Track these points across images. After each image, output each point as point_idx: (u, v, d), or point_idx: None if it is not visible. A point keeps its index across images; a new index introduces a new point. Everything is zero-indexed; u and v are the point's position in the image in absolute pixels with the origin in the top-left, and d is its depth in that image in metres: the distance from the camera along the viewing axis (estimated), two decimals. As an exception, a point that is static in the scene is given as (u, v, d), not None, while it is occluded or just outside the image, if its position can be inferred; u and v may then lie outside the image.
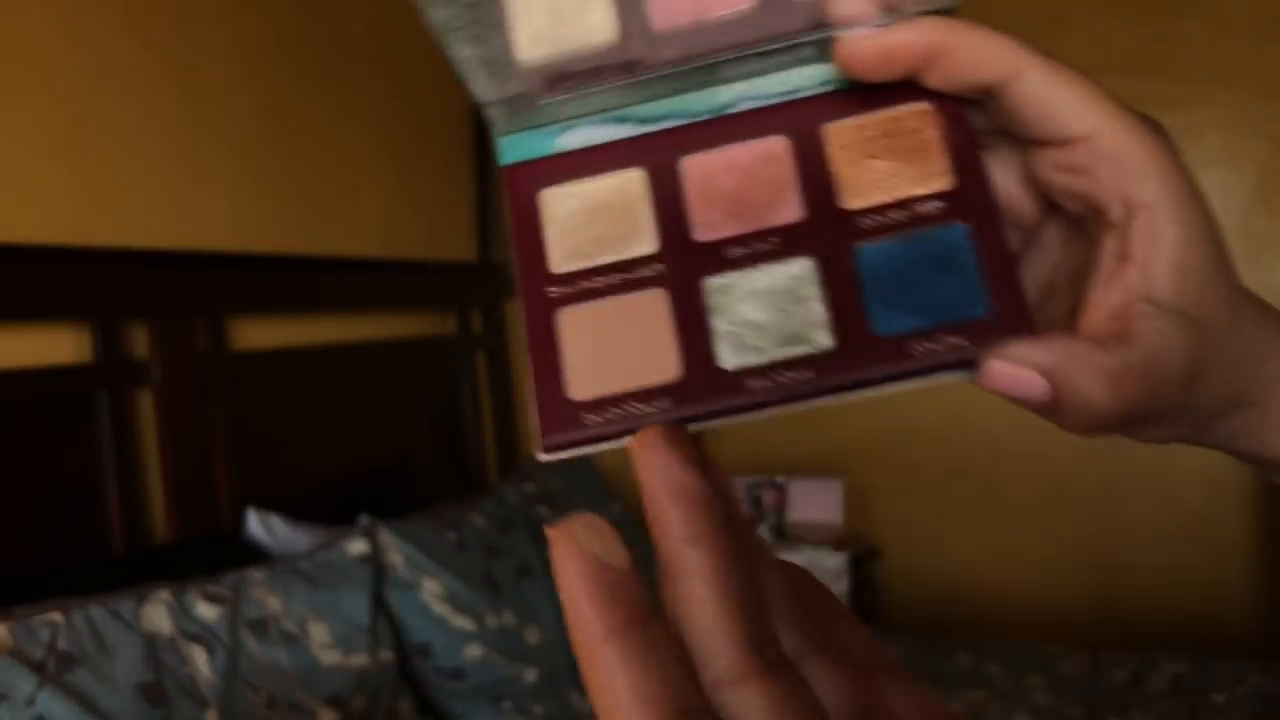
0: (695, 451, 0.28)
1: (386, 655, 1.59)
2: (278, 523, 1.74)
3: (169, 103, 1.75)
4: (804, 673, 0.26)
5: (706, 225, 0.34)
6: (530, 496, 2.11)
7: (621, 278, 0.33)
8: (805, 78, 0.35)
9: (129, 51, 1.68)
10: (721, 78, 0.35)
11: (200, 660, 1.34)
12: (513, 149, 0.35)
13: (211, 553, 1.59)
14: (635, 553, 0.26)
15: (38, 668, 1.18)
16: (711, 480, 0.27)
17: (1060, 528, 2.86)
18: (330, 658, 1.50)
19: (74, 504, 1.52)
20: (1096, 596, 2.83)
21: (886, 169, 0.33)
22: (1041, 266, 0.36)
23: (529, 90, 0.34)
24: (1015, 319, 0.31)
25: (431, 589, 1.72)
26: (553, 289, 0.34)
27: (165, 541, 1.64)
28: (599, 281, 0.34)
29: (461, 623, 1.72)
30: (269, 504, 1.76)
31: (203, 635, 1.37)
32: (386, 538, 1.72)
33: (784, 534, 2.75)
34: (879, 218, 0.33)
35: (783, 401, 0.31)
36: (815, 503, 2.81)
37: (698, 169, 0.34)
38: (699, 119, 0.35)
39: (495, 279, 2.53)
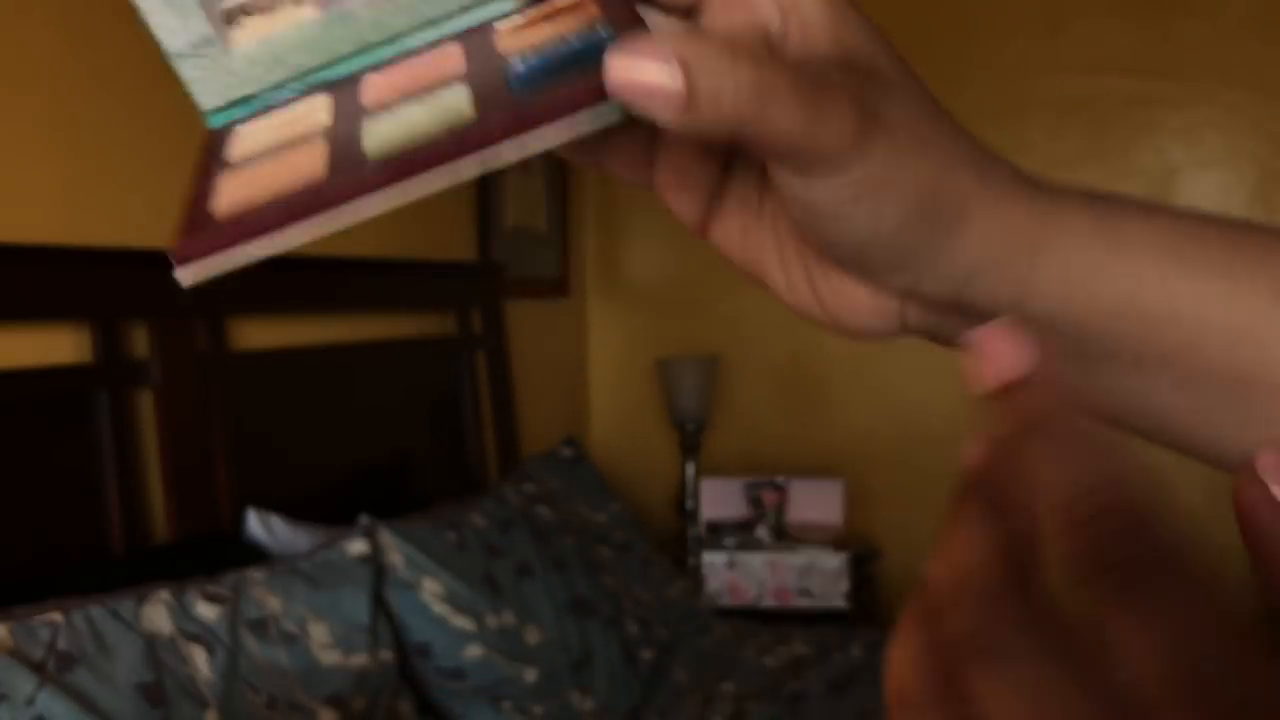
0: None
1: (386, 655, 1.59)
2: (278, 523, 1.74)
3: (169, 103, 1.74)
4: None
5: (374, 94, 0.35)
6: (530, 496, 2.11)
7: (293, 133, 0.34)
8: (484, 15, 0.36)
9: (129, 51, 1.68)
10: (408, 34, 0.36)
11: (200, 660, 1.34)
12: (221, 119, 0.37)
13: (211, 553, 1.59)
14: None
15: (38, 668, 1.18)
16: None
17: (1060, 528, 2.86)
18: (330, 658, 1.50)
19: (74, 504, 1.52)
20: (1096, 596, 2.83)
21: (547, 30, 0.34)
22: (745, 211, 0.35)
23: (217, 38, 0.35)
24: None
25: (431, 589, 1.72)
26: (226, 161, 0.35)
27: (165, 541, 1.64)
28: (268, 143, 0.35)
29: (461, 623, 1.72)
30: (269, 504, 1.76)
31: (203, 635, 1.37)
32: (386, 538, 1.72)
33: (784, 534, 2.75)
34: (532, 49, 0.33)
35: (426, 167, 0.30)
36: (815, 503, 2.81)
37: (377, 78, 0.35)
38: (384, 63, 0.36)
39: (495, 279, 2.53)
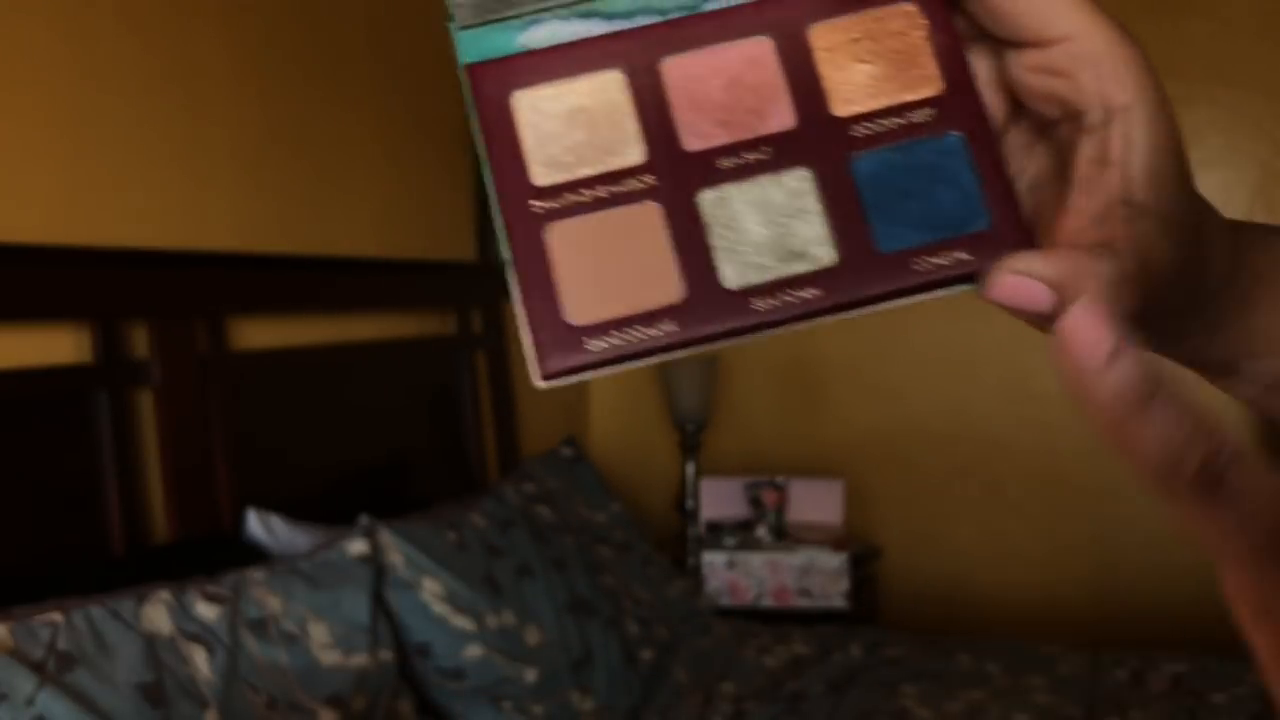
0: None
1: (386, 655, 1.59)
2: (278, 523, 1.74)
3: (169, 103, 1.75)
4: None
5: (695, 133, 0.32)
6: (530, 496, 2.11)
7: (610, 190, 0.32)
8: None
9: (129, 51, 1.68)
10: None
11: (200, 660, 1.34)
12: (474, 46, 0.33)
13: (211, 553, 1.59)
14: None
15: (38, 668, 1.18)
16: None
17: (1060, 528, 2.86)
18: (330, 658, 1.50)
19: (74, 504, 1.52)
20: (1096, 596, 2.83)
21: (874, 73, 0.32)
22: None
23: None
24: (1015, 231, 0.31)
25: (431, 589, 1.72)
26: (536, 203, 0.32)
27: (165, 541, 1.64)
28: (585, 194, 0.32)
29: (461, 623, 1.72)
30: (269, 504, 1.76)
31: (203, 635, 1.37)
32: (386, 538, 1.72)
33: (784, 534, 2.75)
34: (871, 125, 0.32)
35: (790, 321, 0.31)
36: (815, 503, 2.81)
37: (680, 72, 0.33)
38: (670, 16, 0.33)
39: (495, 279, 2.53)
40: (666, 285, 0.31)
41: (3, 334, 1.46)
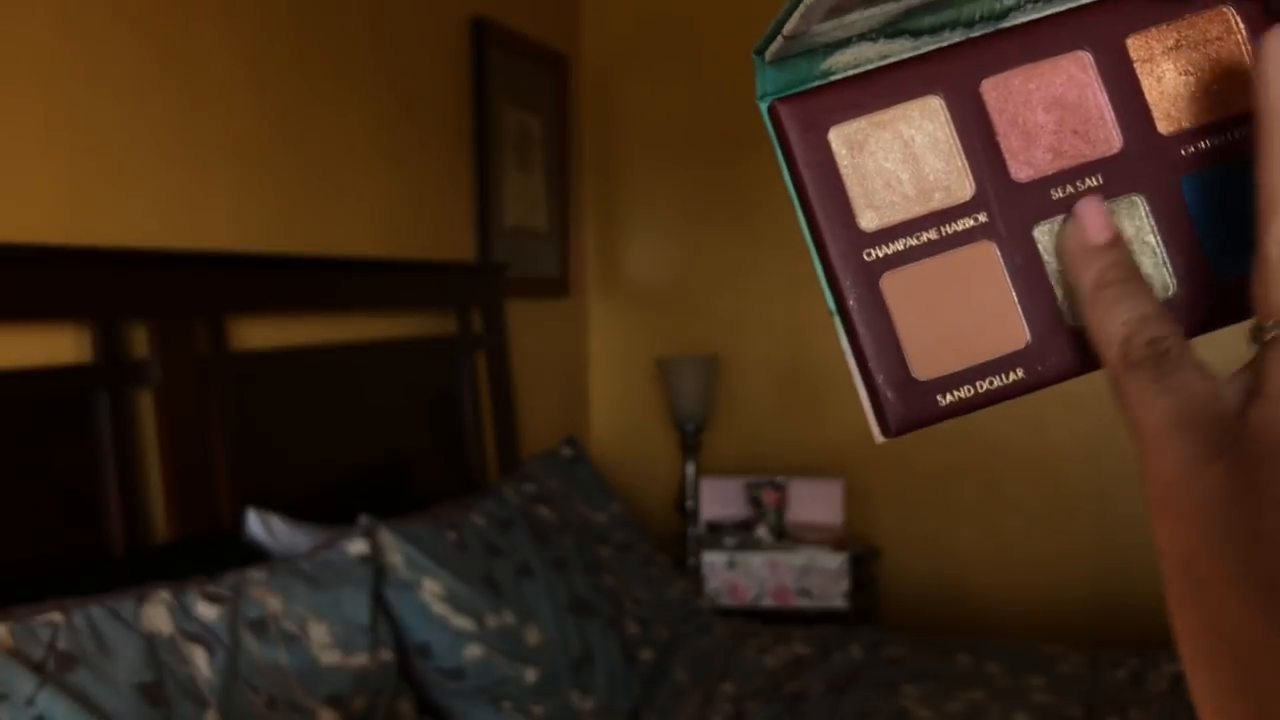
0: None
1: (386, 655, 1.59)
2: (278, 523, 1.74)
3: (169, 102, 1.75)
4: None
5: (1022, 161, 0.30)
6: (530, 496, 2.11)
7: (940, 230, 0.30)
8: None
9: (129, 51, 1.68)
10: None
11: (200, 660, 1.34)
12: (774, 79, 0.30)
13: (211, 553, 1.59)
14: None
15: (38, 668, 1.18)
16: None
17: (1060, 528, 2.86)
18: (330, 658, 1.50)
19: (74, 504, 1.52)
20: (1096, 596, 2.83)
21: (1194, 85, 0.30)
22: None
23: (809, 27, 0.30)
24: None
25: (431, 589, 1.72)
26: (868, 251, 0.30)
27: (165, 541, 1.64)
28: (919, 238, 0.30)
29: (461, 623, 1.72)
30: (269, 504, 1.76)
31: (203, 635, 1.37)
32: (386, 538, 1.72)
33: (784, 534, 2.75)
34: (1194, 145, 0.30)
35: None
36: (815, 503, 2.81)
37: (998, 94, 0.30)
38: (976, 31, 0.31)
39: (495, 279, 2.53)
40: (1010, 329, 0.30)
41: (3, 334, 1.46)
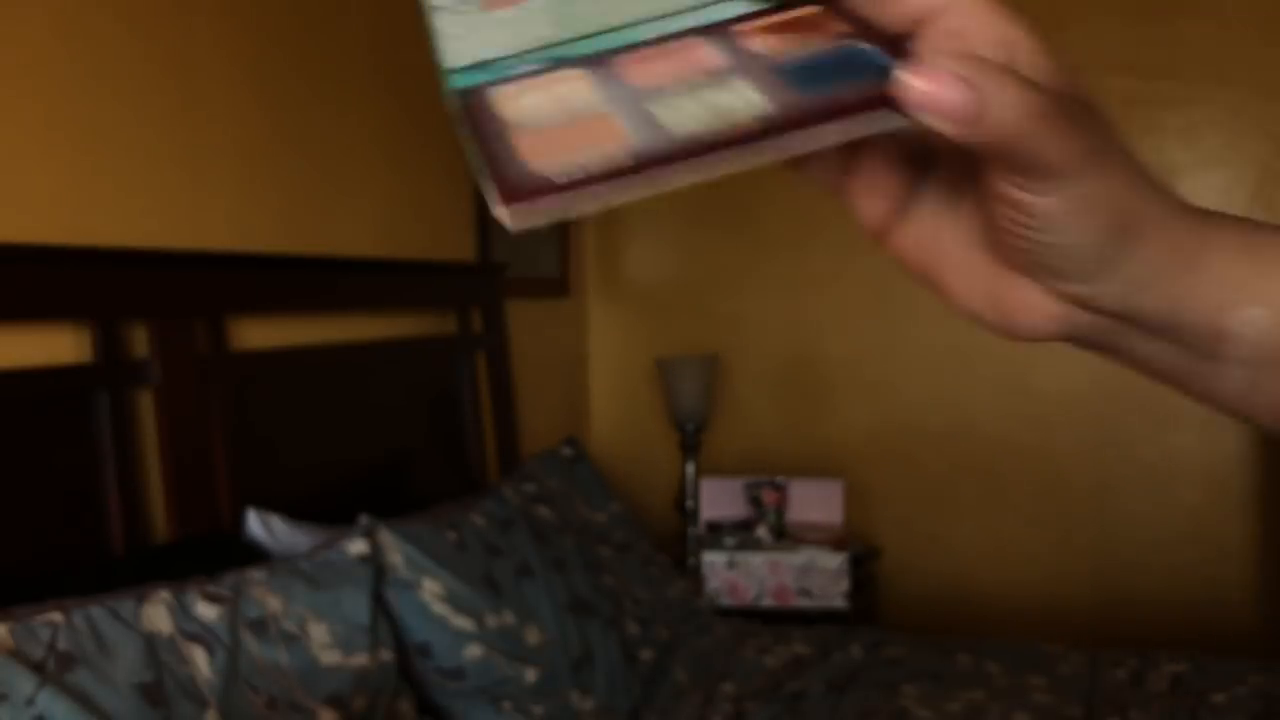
0: None
1: (386, 655, 1.59)
2: (278, 523, 1.74)
3: (169, 102, 1.75)
4: None
5: (649, 83, 0.35)
6: (530, 496, 2.11)
7: (568, 104, 0.35)
8: (716, 15, 0.37)
9: (129, 51, 1.68)
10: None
11: (200, 660, 1.34)
12: (463, 81, 0.36)
13: (211, 553, 1.59)
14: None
15: (38, 668, 1.18)
16: None
17: (1060, 528, 2.86)
18: (330, 658, 1.50)
19: (74, 504, 1.52)
20: (1096, 596, 2.83)
21: (794, 38, 0.36)
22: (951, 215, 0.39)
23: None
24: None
25: (431, 589, 1.72)
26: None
27: (165, 541, 1.64)
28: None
29: (461, 623, 1.72)
30: (269, 504, 1.76)
31: (203, 635, 1.37)
32: (386, 538, 1.72)
33: (784, 534, 2.75)
34: (791, 52, 0.35)
35: (730, 144, 0.32)
36: (815, 503, 2.81)
37: (634, 63, 0.36)
38: (621, 48, 0.37)
39: (495, 279, 2.53)
40: (619, 139, 0.33)
41: (3, 334, 1.46)
